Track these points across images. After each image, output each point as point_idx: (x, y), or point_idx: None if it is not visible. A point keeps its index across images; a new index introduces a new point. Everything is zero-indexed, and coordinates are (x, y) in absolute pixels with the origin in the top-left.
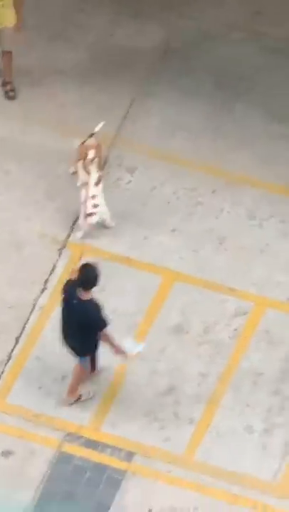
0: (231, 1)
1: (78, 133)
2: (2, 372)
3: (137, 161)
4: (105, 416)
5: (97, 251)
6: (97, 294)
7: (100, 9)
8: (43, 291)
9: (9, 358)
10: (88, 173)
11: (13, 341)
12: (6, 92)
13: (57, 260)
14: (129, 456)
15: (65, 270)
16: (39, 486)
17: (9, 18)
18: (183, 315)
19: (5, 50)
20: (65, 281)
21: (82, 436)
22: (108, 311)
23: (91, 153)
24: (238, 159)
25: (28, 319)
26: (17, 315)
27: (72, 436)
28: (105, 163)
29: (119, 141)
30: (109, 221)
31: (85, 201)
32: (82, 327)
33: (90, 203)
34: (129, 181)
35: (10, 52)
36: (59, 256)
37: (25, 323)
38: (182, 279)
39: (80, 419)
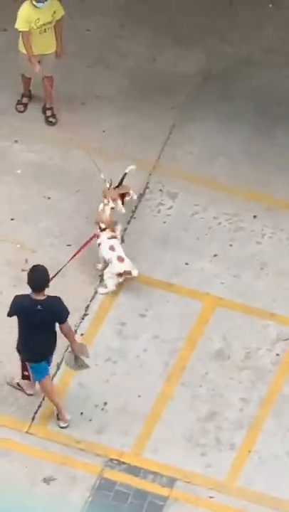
0: (271, 26)
1: (119, 159)
2: (43, 399)
3: (178, 187)
4: (147, 442)
5: (139, 277)
6: (138, 319)
7: (138, 35)
8: (84, 317)
9: None
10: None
11: (55, 367)
12: (47, 118)
13: (98, 286)
14: (171, 482)
15: (107, 296)
16: None
17: (50, 45)
18: (224, 340)
19: (46, 76)
20: (13, 298)
21: (123, 462)
22: (149, 337)
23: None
24: (278, 184)
25: (69, 345)
26: (59, 341)
27: (113, 463)
28: (146, 189)
29: (161, 167)
30: None
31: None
32: (52, 325)
33: (116, 262)
34: (171, 207)
35: (51, 78)
36: (100, 282)
37: (66, 350)
38: (224, 305)
39: (121, 445)
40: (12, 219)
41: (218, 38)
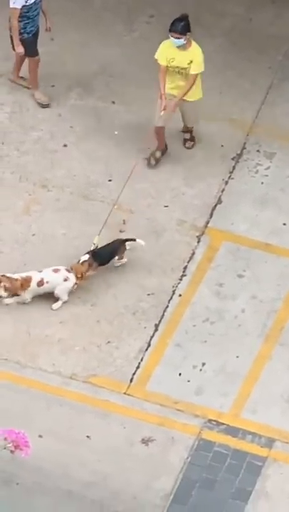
0: None
1: (216, 119)
2: (142, 360)
3: (275, 147)
4: (245, 403)
5: (237, 237)
6: (236, 279)
7: None
8: (182, 278)
9: (149, 345)
10: None
11: (153, 328)
12: (185, 141)
13: (196, 247)
14: (270, 442)
15: (204, 257)
16: (179, 474)
17: (193, 93)
18: None
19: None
20: None
21: (222, 423)
22: (247, 298)
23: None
24: None
25: (167, 306)
26: (156, 302)
27: (212, 423)
28: (244, 149)
29: (258, 127)
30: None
31: None
32: None
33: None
34: (268, 167)
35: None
36: (198, 243)
37: (164, 310)
38: None
39: (220, 405)
40: (110, 180)
41: None
